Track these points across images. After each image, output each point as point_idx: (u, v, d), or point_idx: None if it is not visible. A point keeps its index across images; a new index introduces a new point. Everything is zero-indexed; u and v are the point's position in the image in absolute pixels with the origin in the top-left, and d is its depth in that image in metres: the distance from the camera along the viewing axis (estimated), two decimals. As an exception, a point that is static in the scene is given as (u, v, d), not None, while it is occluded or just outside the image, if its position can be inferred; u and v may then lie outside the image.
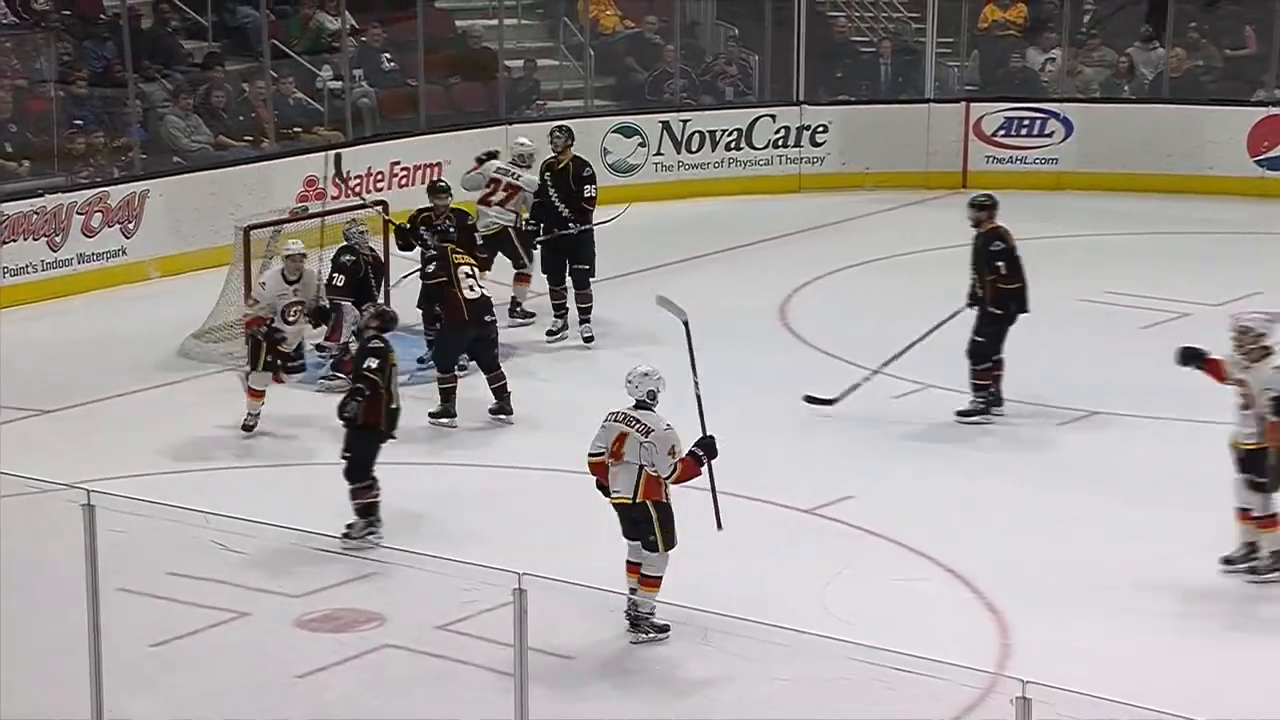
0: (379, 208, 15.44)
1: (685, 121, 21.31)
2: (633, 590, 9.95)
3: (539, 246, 15.53)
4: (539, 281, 15.73)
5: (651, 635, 9.94)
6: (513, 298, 15.99)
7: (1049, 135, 21.42)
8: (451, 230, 14.14)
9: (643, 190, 20.02)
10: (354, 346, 12.02)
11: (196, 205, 17.95)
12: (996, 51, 22.29)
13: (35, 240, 16.98)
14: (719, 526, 10.26)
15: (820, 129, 21.52)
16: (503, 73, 20.94)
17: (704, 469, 10.03)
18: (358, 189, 17.44)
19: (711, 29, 22.83)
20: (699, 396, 10.23)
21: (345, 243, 14.49)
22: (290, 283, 13.45)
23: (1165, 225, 19.56)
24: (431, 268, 13.61)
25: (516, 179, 15.77)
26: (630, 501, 9.92)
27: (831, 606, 10.35)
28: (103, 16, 19.20)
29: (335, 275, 14.27)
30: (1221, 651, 10.06)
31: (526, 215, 15.68)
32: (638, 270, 17.19)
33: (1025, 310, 13.45)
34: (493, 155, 16.11)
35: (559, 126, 15.86)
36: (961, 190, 19.62)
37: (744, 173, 21.44)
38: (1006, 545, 11.29)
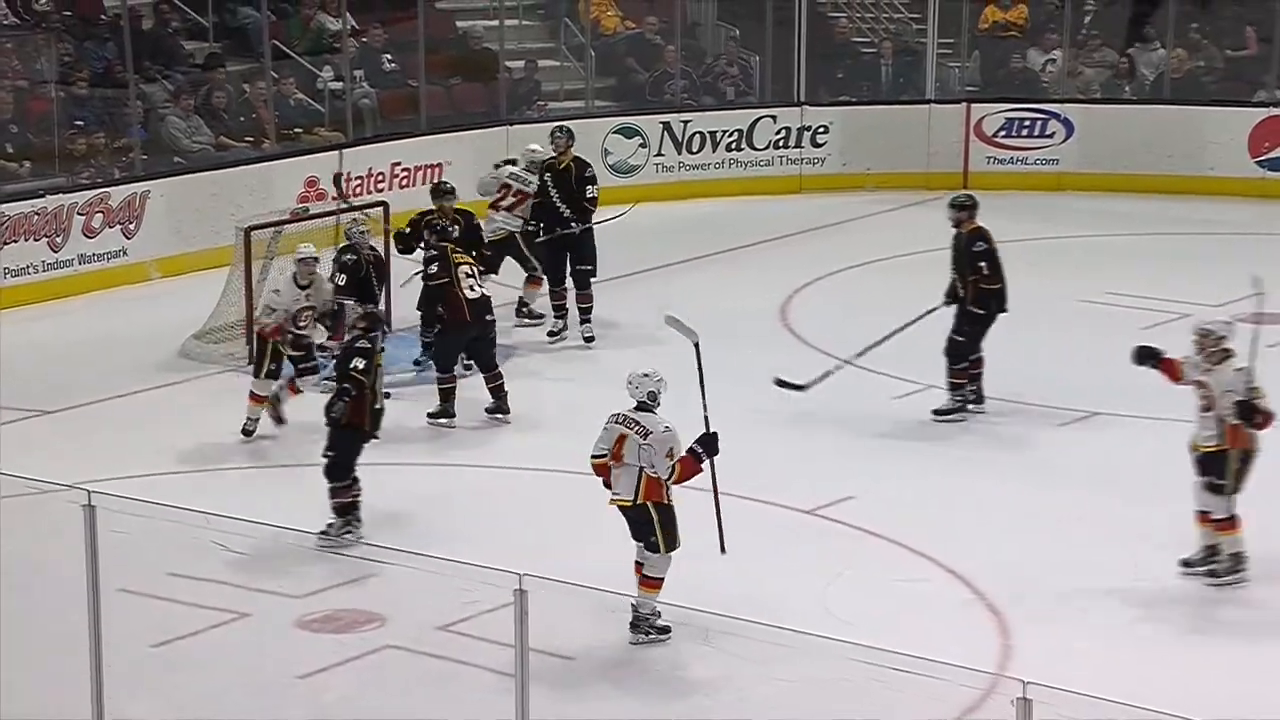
0: (375, 210, 15.50)
1: (686, 122, 21.30)
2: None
3: (541, 246, 15.55)
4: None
5: (652, 636, 9.94)
6: (520, 298, 16.00)
7: (1050, 136, 21.41)
8: (451, 230, 14.15)
9: (644, 191, 19.98)
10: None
11: (197, 206, 17.96)
12: (997, 52, 22.29)
13: (36, 241, 16.99)
14: (723, 550, 10.21)
15: (821, 130, 21.52)
16: (503, 73, 20.94)
17: (704, 466, 9.99)
18: (356, 196, 17.46)
19: (712, 29, 22.83)
20: (707, 419, 10.10)
21: (347, 241, 14.51)
22: (302, 287, 13.41)
23: (1166, 226, 19.56)
24: (433, 268, 13.62)
25: (526, 185, 15.77)
26: (631, 503, 9.93)
27: (832, 607, 10.35)
28: (103, 17, 19.19)
29: (337, 274, 14.27)
30: (1222, 652, 10.05)
31: (527, 217, 15.71)
32: (639, 271, 17.18)
33: (1004, 310, 13.52)
34: (511, 163, 16.17)
35: (559, 127, 15.86)
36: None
37: (745, 173, 21.44)
38: (1006, 545, 11.30)
